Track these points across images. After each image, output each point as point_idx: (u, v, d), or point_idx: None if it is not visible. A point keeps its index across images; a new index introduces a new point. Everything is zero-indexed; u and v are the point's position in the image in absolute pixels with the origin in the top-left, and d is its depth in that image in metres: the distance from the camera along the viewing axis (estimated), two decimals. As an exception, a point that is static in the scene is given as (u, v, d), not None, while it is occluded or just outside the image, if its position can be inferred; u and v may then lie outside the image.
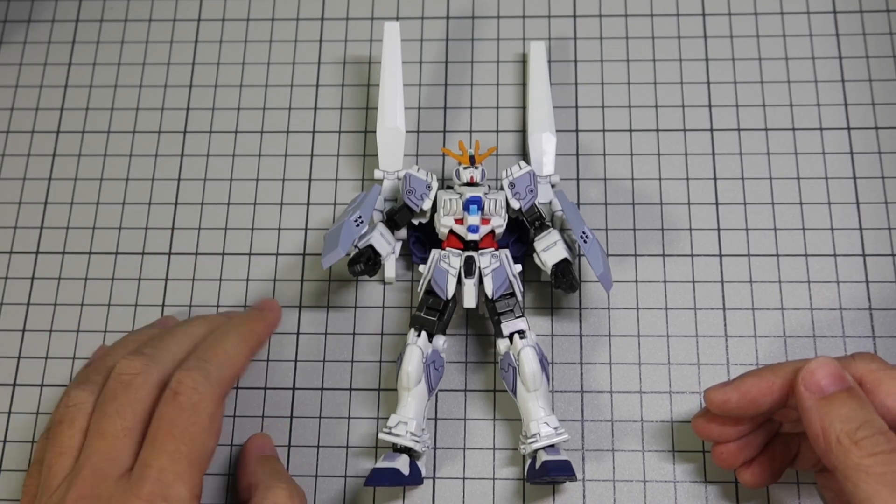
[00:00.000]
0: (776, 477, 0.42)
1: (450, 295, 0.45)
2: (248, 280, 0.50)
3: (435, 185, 0.47)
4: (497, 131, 0.52)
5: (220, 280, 0.50)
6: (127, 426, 0.39)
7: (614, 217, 0.50)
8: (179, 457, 0.38)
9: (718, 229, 0.50)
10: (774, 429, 0.42)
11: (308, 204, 0.51)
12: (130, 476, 0.38)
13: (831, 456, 0.35)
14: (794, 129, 0.52)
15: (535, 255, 0.46)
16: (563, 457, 0.43)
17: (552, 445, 0.43)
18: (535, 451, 0.43)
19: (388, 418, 0.44)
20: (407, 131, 0.50)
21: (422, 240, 0.49)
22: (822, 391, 0.36)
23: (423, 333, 0.45)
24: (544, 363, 0.44)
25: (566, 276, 0.45)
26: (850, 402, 0.36)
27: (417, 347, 0.44)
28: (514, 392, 0.44)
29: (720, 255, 0.49)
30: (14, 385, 0.48)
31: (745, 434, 0.42)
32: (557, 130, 0.51)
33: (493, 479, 0.45)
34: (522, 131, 0.52)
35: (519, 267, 0.46)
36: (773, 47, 0.54)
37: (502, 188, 0.47)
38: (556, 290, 0.46)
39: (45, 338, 0.49)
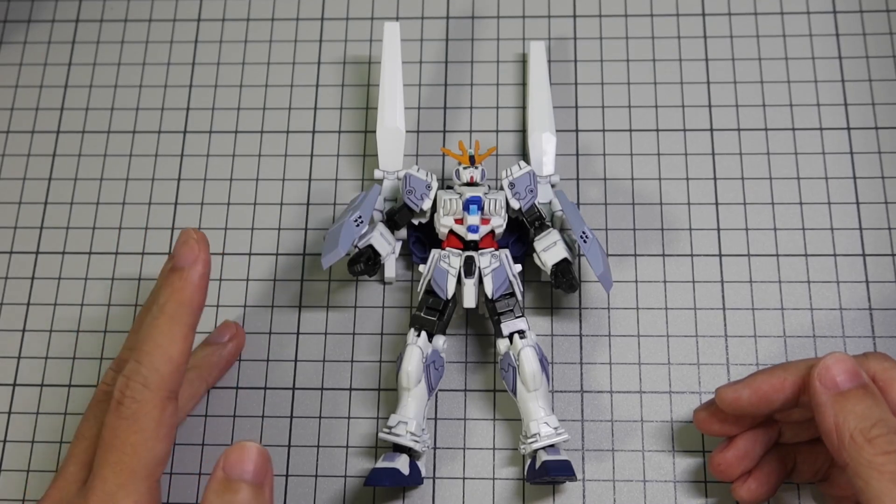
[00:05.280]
0: (772, 493, 0.42)
1: (450, 295, 0.45)
2: (247, 280, 0.50)
3: (435, 185, 0.47)
4: (497, 131, 0.52)
5: (220, 280, 0.50)
6: (98, 432, 0.40)
7: (614, 217, 0.50)
8: (121, 468, 0.38)
9: (718, 229, 0.50)
10: (773, 437, 0.42)
11: (308, 204, 0.51)
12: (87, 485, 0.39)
13: (843, 452, 0.35)
14: (794, 129, 0.52)
15: (535, 255, 0.46)
16: (563, 457, 0.43)
17: (552, 445, 0.43)
18: (535, 450, 0.43)
19: (388, 418, 0.44)
20: (407, 131, 0.50)
21: (422, 240, 0.49)
22: (837, 387, 0.36)
23: (423, 333, 0.44)
24: (544, 363, 0.44)
25: (566, 276, 0.45)
26: (865, 399, 0.36)
27: (417, 347, 0.44)
28: (514, 392, 0.44)
29: (720, 255, 0.49)
30: (14, 385, 0.48)
31: (745, 429, 0.41)
32: (557, 130, 0.51)
33: (493, 479, 0.45)
34: (522, 131, 0.52)
35: (519, 267, 0.46)
36: (773, 47, 0.54)
37: (502, 188, 0.47)
38: (556, 290, 0.46)
39: (45, 338, 0.49)
